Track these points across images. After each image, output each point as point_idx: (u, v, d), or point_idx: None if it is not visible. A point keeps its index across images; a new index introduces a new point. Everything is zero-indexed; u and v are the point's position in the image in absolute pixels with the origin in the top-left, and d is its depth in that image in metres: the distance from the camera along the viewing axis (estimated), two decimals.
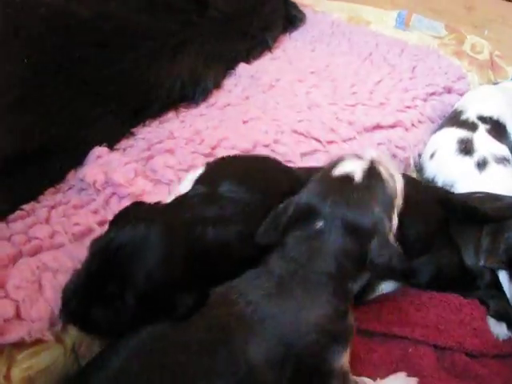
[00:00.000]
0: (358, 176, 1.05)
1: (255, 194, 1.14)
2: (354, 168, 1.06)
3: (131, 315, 1.00)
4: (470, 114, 1.76)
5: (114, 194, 1.24)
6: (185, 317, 0.99)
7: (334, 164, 1.09)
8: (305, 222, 1.02)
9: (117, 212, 1.16)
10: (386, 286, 1.34)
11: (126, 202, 1.19)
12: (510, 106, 1.80)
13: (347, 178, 1.04)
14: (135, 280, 0.99)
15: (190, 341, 0.94)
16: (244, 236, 1.09)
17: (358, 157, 1.09)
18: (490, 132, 1.70)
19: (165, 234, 1.02)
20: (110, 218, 1.18)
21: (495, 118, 1.75)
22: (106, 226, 1.17)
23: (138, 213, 1.07)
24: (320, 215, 1.01)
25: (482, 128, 1.71)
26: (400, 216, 1.12)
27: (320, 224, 1.00)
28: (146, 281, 0.99)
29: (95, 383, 0.93)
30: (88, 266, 1.02)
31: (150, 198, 1.19)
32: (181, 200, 1.13)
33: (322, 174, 1.09)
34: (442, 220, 1.39)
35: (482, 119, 1.74)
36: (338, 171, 1.06)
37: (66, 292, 1.02)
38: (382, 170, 1.08)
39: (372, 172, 1.06)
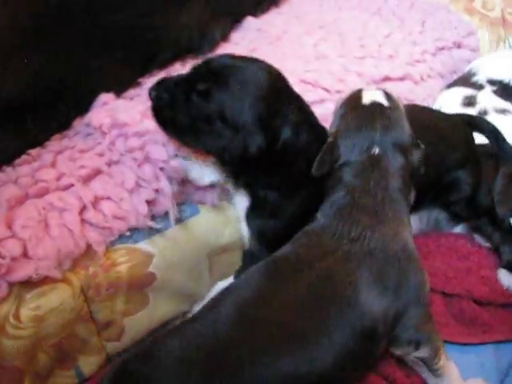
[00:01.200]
0: (385, 101, 1.13)
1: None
2: (377, 95, 1.15)
3: (207, 120, 1.09)
4: (481, 77, 1.78)
5: (119, 136, 1.21)
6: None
7: (354, 98, 1.16)
8: (357, 152, 1.08)
9: (123, 153, 1.19)
10: None
11: (132, 143, 1.19)
12: None
13: (378, 105, 1.13)
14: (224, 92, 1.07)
15: (297, 299, 0.95)
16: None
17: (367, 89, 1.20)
18: (495, 92, 1.73)
19: (271, 77, 1.13)
20: (116, 159, 1.20)
21: (506, 81, 1.76)
22: (113, 167, 1.19)
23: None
24: (373, 142, 1.08)
25: (489, 89, 1.73)
26: (430, 131, 1.30)
27: (376, 150, 1.07)
28: (234, 100, 1.07)
29: (190, 332, 0.92)
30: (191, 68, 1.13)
31: (157, 138, 1.19)
32: None
33: (352, 107, 1.14)
34: (472, 140, 1.42)
35: (491, 82, 1.76)
36: (367, 100, 1.14)
37: (159, 79, 1.13)
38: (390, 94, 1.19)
39: (388, 96, 1.16)
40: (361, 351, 0.96)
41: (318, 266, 0.98)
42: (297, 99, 1.19)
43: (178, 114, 1.11)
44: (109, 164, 1.19)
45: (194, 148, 1.17)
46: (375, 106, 1.13)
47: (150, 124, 1.16)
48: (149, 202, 1.18)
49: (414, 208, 1.19)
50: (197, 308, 1.27)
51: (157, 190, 1.18)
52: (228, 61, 1.12)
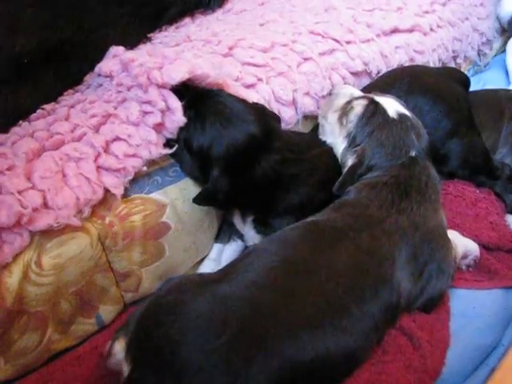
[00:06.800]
0: (406, 110, 1.26)
1: None
2: (397, 105, 1.26)
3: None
4: None
5: (127, 76, 1.22)
6: None
7: (377, 112, 1.24)
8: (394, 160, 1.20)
9: (129, 86, 1.21)
10: None
11: (136, 71, 1.19)
12: None
13: (405, 117, 1.24)
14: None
15: (338, 268, 0.98)
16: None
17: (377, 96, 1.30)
18: None
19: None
20: (122, 98, 1.22)
21: None
22: (119, 108, 1.22)
23: None
24: (409, 148, 1.21)
25: None
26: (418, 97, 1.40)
27: (414, 152, 1.21)
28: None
29: (221, 293, 0.92)
30: None
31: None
32: None
33: (381, 123, 1.23)
34: (465, 100, 1.42)
35: None
36: (394, 114, 1.24)
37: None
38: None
39: (400, 103, 1.29)
40: (384, 322, 1.00)
41: (363, 237, 1.03)
42: None
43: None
44: (116, 107, 1.21)
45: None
46: (404, 118, 1.24)
47: (154, 59, 1.17)
48: (158, 127, 1.19)
49: None
50: (207, 265, 1.32)
51: (163, 111, 1.18)
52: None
